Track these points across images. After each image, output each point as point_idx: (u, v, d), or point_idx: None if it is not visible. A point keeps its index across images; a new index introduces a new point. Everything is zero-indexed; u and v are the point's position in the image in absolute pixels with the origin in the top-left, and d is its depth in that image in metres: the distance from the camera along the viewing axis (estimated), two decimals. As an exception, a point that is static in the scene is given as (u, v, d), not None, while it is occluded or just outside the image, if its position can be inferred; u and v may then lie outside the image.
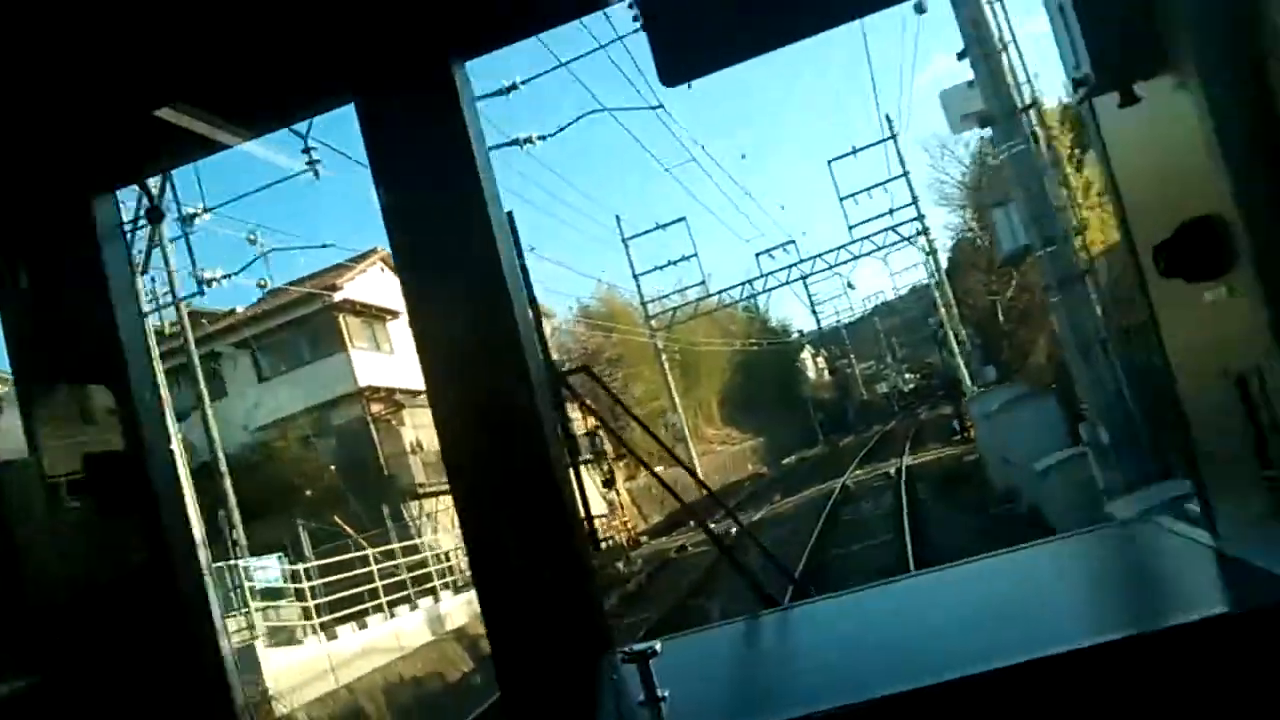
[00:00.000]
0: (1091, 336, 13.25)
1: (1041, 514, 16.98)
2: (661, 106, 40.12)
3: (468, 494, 2.39)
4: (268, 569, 27.92)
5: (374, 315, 39.02)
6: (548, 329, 61.07)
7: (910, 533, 20.98)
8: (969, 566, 2.65)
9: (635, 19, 2.04)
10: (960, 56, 13.11)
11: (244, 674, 17.01)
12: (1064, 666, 1.73)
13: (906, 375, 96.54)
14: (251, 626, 20.80)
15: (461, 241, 2.37)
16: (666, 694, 2.01)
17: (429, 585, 27.43)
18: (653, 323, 60.44)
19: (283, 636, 22.56)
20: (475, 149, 2.41)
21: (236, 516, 31.60)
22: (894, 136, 52.27)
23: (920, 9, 15.50)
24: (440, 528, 34.31)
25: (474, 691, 19.52)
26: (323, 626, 22.39)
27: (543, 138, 22.05)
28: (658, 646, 2.02)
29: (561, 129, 25.06)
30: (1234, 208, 1.73)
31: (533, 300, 2.53)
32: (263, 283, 31.32)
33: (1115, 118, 2.01)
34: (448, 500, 30.03)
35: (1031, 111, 13.83)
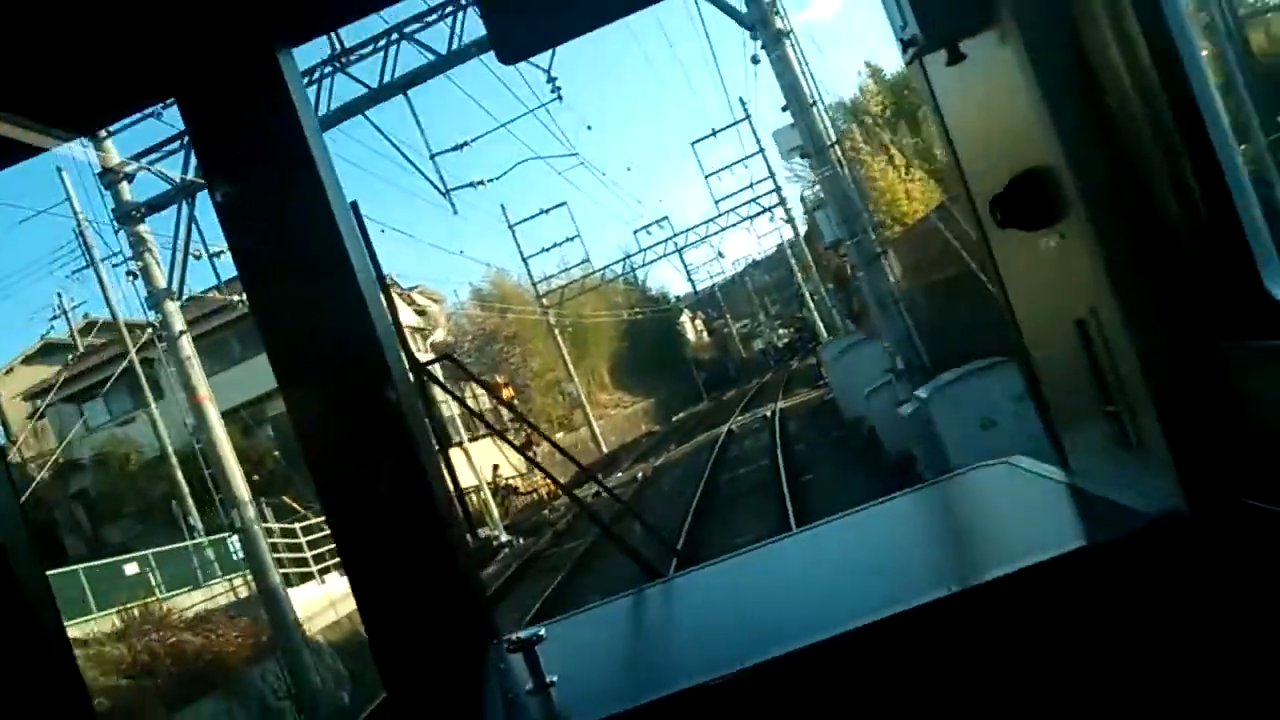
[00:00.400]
0: (887, 297, 19.18)
1: (876, 431, 22.71)
2: (577, 154, 46.71)
3: (333, 494, 2.32)
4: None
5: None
6: (439, 314, 64.60)
7: (782, 455, 26.84)
8: (839, 522, 2.72)
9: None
10: (784, 109, 18.77)
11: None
12: (933, 615, 1.80)
13: (780, 331, 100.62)
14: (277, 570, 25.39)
15: (303, 235, 2.30)
16: (555, 679, 2.03)
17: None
18: (544, 300, 64.84)
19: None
20: (310, 139, 2.32)
21: (190, 504, 35.72)
22: (748, 117, 58.57)
23: (755, 60, 20.84)
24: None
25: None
26: (319, 574, 27.21)
27: (493, 180, 28.06)
28: (543, 632, 2.04)
29: (504, 174, 31.24)
30: (1060, 158, 1.77)
31: (385, 290, 2.49)
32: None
33: (945, 76, 2.05)
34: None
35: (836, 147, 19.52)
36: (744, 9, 19.11)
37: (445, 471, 2.52)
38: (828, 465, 23.32)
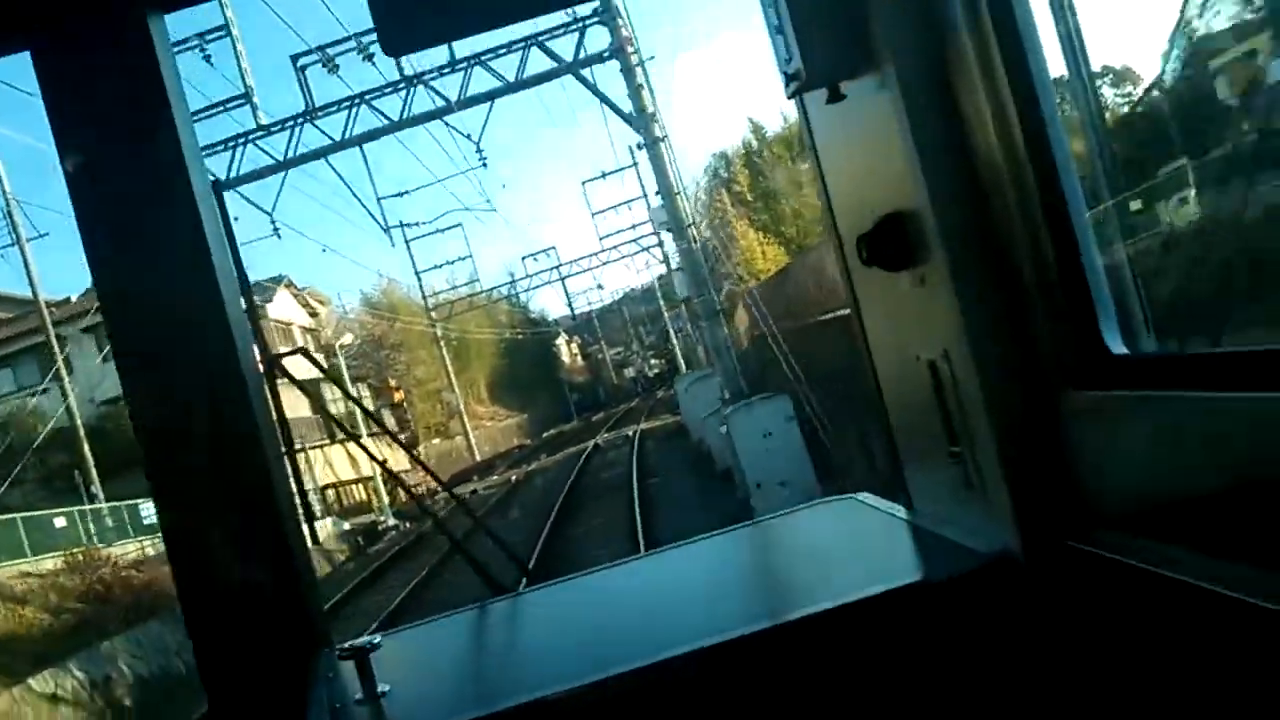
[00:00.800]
0: (722, 344, 25.37)
1: (711, 450, 28.67)
2: (494, 210, 51.99)
3: (166, 489, 2.18)
4: (152, 508, 36.65)
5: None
6: (324, 314, 67.63)
7: (637, 465, 32.79)
8: (686, 548, 2.76)
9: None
10: (656, 193, 24.88)
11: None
12: (767, 641, 1.85)
13: (653, 361, 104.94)
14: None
15: (159, 211, 2.18)
16: (387, 689, 1.99)
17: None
18: (433, 314, 68.95)
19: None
20: (175, 111, 2.19)
21: (94, 474, 39.06)
22: (635, 164, 64.56)
23: (640, 147, 26.81)
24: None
25: (352, 570, 29.66)
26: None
27: (426, 222, 33.67)
28: (377, 640, 2.00)
29: (436, 219, 36.97)
30: (926, 204, 1.82)
31: (243, 277, 2.40)
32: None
33: (824, 114, 2.09)
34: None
35: (693, 228, 25.73)
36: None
37: (290, 469, 2.42)
38: (671, 473, 29.57)
